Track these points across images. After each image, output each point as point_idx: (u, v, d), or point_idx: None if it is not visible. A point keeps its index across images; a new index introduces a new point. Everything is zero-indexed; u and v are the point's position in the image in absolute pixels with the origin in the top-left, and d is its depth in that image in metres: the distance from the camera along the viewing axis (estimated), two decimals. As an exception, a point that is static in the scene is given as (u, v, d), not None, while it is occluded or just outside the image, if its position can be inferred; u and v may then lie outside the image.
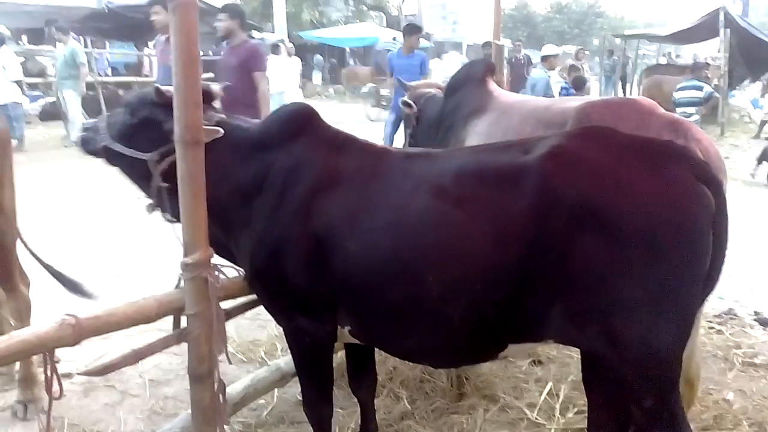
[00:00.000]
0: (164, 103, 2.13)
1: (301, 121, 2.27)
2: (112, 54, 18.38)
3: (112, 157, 2.36)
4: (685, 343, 1.85)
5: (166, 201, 2.24)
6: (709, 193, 1.78)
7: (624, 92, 19.59)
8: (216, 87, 2.44)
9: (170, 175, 2.08)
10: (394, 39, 22.99)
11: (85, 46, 17.31)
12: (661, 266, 1.73)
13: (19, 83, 10.53)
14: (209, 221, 2.07)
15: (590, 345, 1.89)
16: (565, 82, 9.71)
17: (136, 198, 2.51)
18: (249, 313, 2.67)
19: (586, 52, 16.88)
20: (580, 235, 1.75)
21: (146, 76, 16.33)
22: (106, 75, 15.93)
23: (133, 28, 16.28)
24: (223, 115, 2.35)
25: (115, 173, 2.47)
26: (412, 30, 8.69)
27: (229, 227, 2.28)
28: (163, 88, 2.18)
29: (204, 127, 2.03)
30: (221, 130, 2.17)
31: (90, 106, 13.28)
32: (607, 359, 1.89)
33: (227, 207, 2.23)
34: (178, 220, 2.08)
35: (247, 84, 5.38)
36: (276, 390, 3.06)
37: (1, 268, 2.84)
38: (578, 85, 9.11)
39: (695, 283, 1.79)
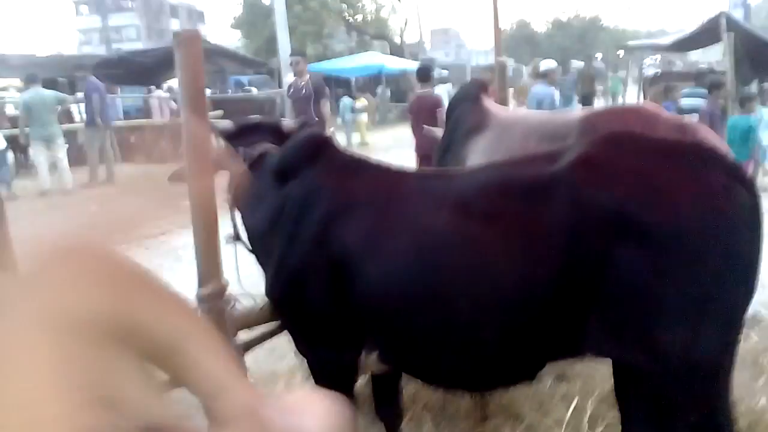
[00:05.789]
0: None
1: (313, 149, 2.27)
2: (122, 99, 18.70)
3: None
4: (731, 353, 1.75)
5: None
6: (745, 191, 1.70)
7: None
8: (289, 122, 2.71)
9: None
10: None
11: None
12: (701, 271, 1.64)
13: None
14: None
15: (630, 357, 1.78)
16: None
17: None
18: (267, 345, 2.65)
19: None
20: (616, 243, 1.67)
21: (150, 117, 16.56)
22: (118, 119, 16.15)
23: (142, 73, 16.64)
24: (271, 146, 2.47)
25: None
26: None
27: (261, 254, 2.33)
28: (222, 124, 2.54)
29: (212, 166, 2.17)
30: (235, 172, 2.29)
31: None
32: (648, 372, 1.79)
33: (259, 234, 2.30)
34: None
35: (314, 110, 7.51)
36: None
37: None
38: None
39: (738, 288, 1.70)
